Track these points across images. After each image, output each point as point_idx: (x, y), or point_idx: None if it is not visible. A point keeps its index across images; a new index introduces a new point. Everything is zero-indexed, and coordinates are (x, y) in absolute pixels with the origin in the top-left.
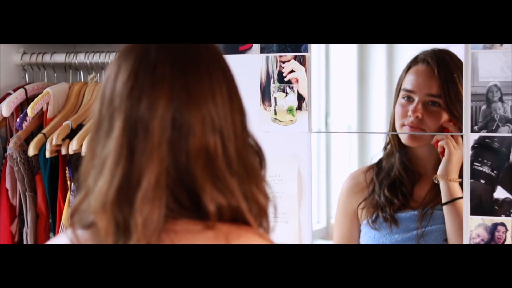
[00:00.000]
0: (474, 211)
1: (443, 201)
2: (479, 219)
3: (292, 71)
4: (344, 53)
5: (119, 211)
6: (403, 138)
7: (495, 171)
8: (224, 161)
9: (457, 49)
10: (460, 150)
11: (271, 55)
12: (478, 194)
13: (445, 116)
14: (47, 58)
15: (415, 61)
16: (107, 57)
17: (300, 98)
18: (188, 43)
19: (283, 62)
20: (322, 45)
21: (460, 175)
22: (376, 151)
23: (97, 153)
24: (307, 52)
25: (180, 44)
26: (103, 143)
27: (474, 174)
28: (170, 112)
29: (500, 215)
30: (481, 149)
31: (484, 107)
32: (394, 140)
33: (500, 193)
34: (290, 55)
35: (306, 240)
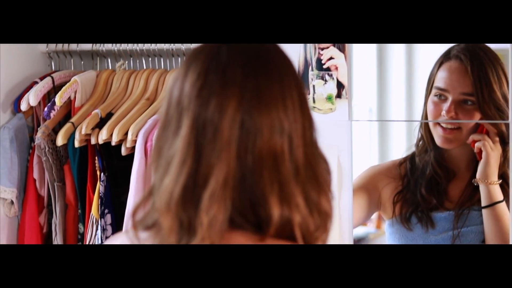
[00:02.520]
0: None
1: (483, 204)
2: None
3: (331, 58)
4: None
5: (184, 210)
6: (437, 140)
7: None
8: (291, 166)
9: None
10: (497, 151)
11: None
12: None
13: (480, 114)
14: (73, 46)
15: (447, 56)
16: (135, 44)
17: (340, 85)
18: (259, 45)
19: (322, 49)
20: None
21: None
22: (396, 140)
23: (163, 152)
24: None
25: (252, 45)
26: (171, 142)
27: None
28: (239, 113)
29: None
30: None
31: None
32: (427, 139)
33: None
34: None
35: (347, 229)
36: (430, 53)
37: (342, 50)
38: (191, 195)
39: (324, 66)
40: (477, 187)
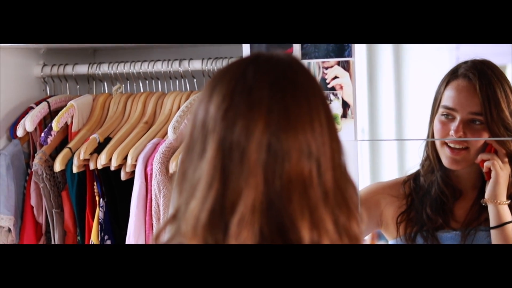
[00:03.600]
0: None
1: (492, 224)
2: None
3: (335, 77)
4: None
5: (211, 235)
6: (445, 161)
7: None
8: (320, 190)
9: (507, 48)
10: (506, 170)
11: (313, 61)
12: None
13: (488, 134)
14: (68, 70)
15: (454, 75)
16: (132, 67)
17: (345, 105)
18: (286, 64)
19: (326, 68)
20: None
21: (510, 195)
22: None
23: (188, 176)
24: (351, 57)
25: (278, 64)
26: (195, 165)
27: None
28: (266, 136)
29: None
30: None
31: None
32: (434, 159)
33: None
34: (333, 60)
35: None
36: (418, 70)
37: (347, 68)
38: (219, 219)
39: (329, 86)
40: (484, 207)
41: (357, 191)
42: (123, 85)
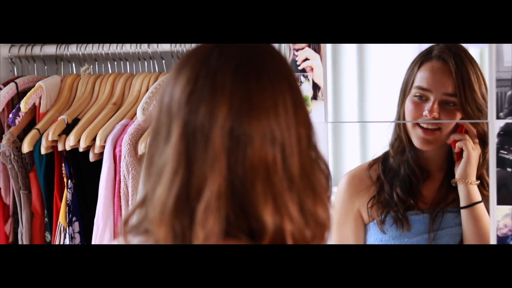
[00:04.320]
0: (502, 201)
1: (462, 204)
2: (506, 208)
3: (306, 59)
4: None
5: (178, 221)
6: (416, 142)
7: None
8: (285, 176)
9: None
10: (477, 151)
11: (284, 43)
12: (505, 183)
13: (461, 115)
14: (36, 50)
15: (428, 56)
16: (100, 48)
17: (316, 87)
18: (252, 47)
19: (297, 50)
20: None
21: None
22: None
23: (155, 160)
24: None
25: (245, 47)
26: (161, 150)
27: (500, 162)
28: (229, 121)
29: None
30: (507, 136)
31: (510, 92)
32: (406, 140)
33: None
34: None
35: None
36: (380, 52)
37: (318, 51)
38: (185, 205)
39: (300, 68)
40: (451, 187)
41: (328, 173)
42: (91, 66)
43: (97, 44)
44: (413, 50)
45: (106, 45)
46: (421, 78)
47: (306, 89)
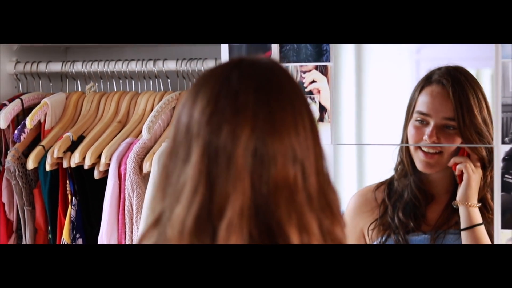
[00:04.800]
0: (506, 225)
1: (462, 226)
2: (509, 232)
3: (313, 81)
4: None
5: (198, 240)
6: (418, 165)
7: None
8: (304, 195)
9: (487, 61)
10: (478, 174)
11: (291, 64)
12: (509, 207)
13: (461, 139)
14: (42, 67)
15: (428, 81)
16: (106, 66)
17: (322, 109)
18: (269, 69)
19: (304, 72)
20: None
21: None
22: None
23: (172, 180)
24: (329, 61)
25: (262, 69)
26: (180, 170)
27: (505, 186)
28: (252, 141)
29: None
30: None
31: None
32: (408, 163)
33: None
34: (311, 65)
35: None
36: (379, 73)
37: (325, 73)
38: (205, 224)
39: (307, 90)
40: (455, 210)
41: (339, 197)
42: (96, 84)
43: (102, 62)
44: (410, 67)
45: (112, 63)
46: (421, 102)
47: (313, 111)
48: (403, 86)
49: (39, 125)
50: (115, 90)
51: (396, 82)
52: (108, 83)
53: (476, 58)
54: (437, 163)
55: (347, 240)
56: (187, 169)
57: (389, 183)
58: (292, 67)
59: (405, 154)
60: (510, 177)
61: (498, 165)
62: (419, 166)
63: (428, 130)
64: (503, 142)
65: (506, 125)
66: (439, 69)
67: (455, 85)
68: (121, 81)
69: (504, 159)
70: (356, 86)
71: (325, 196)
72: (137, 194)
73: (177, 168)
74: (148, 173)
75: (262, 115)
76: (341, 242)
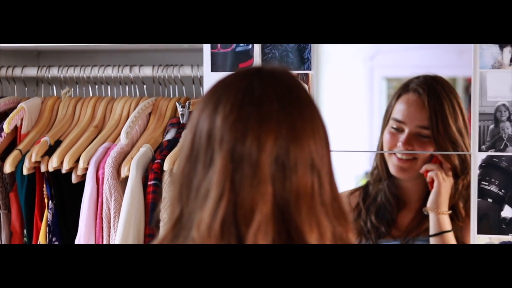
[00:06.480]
0: (482, 230)
1: (431, 232)
2: (486, 238)
3: None
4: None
5: (224, 243)
6: (392, 169)
7: (502, 190)
8: (319, 201)
9: (465, 70)
10: (449, 182)
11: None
12: (486, 213)
13: (434, 147)
14: (17, 72)
15: (405, 89)
16: (82, 71)
17: None
18: (289, 79)
19: None
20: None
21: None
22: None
23: (193, 184)
24: (310, 70)
25: (282, 79)
26: (202, 175)
27: (482, 193)
28: (276, 149)
29: (507, 234)
30: (488, 168)
31: (492, 126)
32: (382, 168)
33: (507, 212)
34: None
35: None
36: (334, 80)
37: (306, 81)
38: (231, 228)
39: None
40: (425, 217)
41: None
42: (72, 89)
43: (78, 67)
44: (364, 73)
45: (88, 68)
46: (397, 110)
47: None
48: (357, 92)
49: (15, 130)
50: (91, 95)
51: (350, 88)
52: (83, 88)
53: (428, 66)
54: (410, 169)
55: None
56: (211, 174)
57: (364, 187)
58: None
59: (380, 159)
60: (486, 184)
61: (475, 172)
62: (393, 170)
63: (402, 137)
64: (480, 150)
65: (484, 133)
66: (417, 78)
67: (431, 94)
68: (96, 86)
69: (481, 166)
70: (313, 93)
71: (338, 203)
72: (115, 198)
73: (198, 172)
74: (126, 178)
75: (285, 124)
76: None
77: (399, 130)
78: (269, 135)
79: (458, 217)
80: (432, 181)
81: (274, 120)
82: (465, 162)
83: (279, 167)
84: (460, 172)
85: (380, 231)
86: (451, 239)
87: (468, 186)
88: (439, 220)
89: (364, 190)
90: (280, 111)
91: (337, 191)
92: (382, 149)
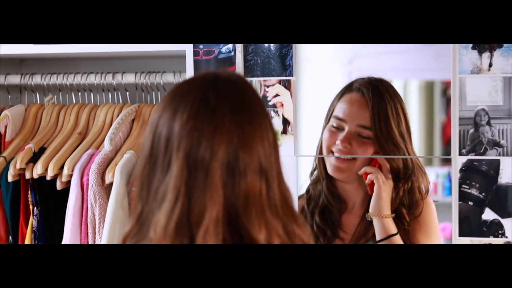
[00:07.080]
0: (463, 233)
1: (378, 238)
2: (467, 240)
3: (277, 95)
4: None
5: (179, 241)
6: (329, 169)
7: (483, 193)
8: (268, 203)
9: (445, 74)
10: (389, 185)
11: (255, 79)
12: (467, 215)
13: (374, 148)
14: (0, 80)
15: (349, 88)
16: (65, 78)
17: (285, 122)
18: (241, 89)
19: (268, 86)
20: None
21: (395, 210)
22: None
23: (152, 186)
24: (292, 76)
25: (234, 88)
26: (159, 178)
27: (463, 196)
28: (227, 156)
29: (488, 236)
30: (469, 171)
31: (472, 130)
32: (320, 168)
33: (488, 214)
34: (274, 79)
35: None
36: (312, 83)
37: (288, 87)
38: (184, 229)
39: (270, 103)
40: (371, 222)
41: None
42: (55, 96)
43: (61, 75)
44: (342, 77)
45: (71, 76)
46: (339, 108)
47: (276, 124)
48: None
49: (0, 137)
50: (74, 102)
51: (329, 92)
52: (67, 95)
53: (406, 70)
54: (348, 169)
55: (312, 241)
56: (168, 179)
57: (306, 190)
58: (256, 81)
59: (319, 159)
60: (467, 187)
61: (456, 175)
62: (330, 170)
63: (341, 135)
64: (460, 154)
65: (464, 137)
66: (362, 78)
67: (375, 94)
68: (80, 93)
69: (461, 170)
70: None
71: (287, 204)
72: (99, 205)
73: (156, 175)
74: (111, 184)
75: (236, 133)
76: (306, 242)
77: (339, 128)
78: (221, 144)
79: (402, 221)
80: (371, 184)
81: (226, 130)
82: (407, 167)
83: (230, 173)
84: (402, 174)
85: (327, 234)
86: (398, 242)
87: (410, 191)
88: (384, 225)
89: (307, 194)
90: (232, 122)
91: (286, 193)
92: (321, 148)
